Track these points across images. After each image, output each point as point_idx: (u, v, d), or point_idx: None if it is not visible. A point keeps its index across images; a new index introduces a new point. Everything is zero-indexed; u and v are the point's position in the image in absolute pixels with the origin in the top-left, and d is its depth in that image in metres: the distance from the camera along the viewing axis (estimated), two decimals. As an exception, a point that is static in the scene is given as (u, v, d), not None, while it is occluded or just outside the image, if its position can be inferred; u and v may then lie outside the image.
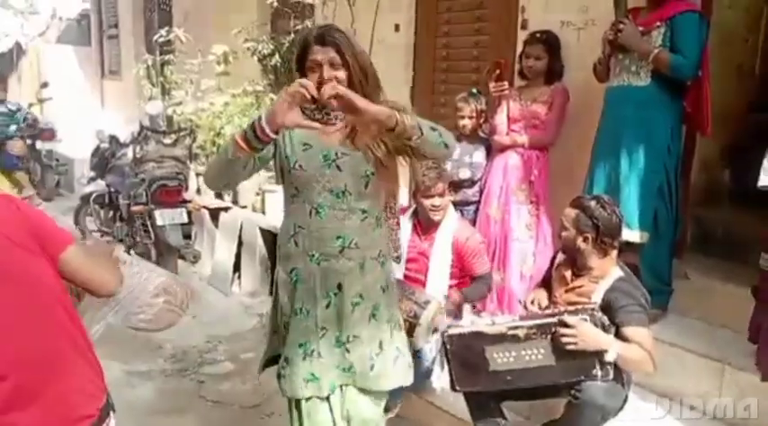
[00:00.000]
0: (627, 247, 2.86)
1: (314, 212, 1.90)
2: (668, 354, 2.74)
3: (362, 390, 2.01)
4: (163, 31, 7.01)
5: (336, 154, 1.90)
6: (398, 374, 2.06)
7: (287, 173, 1.94)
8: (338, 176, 1.90)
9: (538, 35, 3.43)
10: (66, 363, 1.50)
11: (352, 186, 1.91)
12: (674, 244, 3.11)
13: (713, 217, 3.54)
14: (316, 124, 1.74)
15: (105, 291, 1.65)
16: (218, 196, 5.51)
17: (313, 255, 1.92)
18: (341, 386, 2.00)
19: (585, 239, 2.37)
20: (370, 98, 1.79)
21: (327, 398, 1.98)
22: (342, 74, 1.82)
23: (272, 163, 2.00)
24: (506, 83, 3.37)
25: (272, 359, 2.15)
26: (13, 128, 4.85)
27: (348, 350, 1.96)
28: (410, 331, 2.71)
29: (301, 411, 2.00)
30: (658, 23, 2.89)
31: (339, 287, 1.94)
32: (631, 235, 2.91)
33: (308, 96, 1.67)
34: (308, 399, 1.98)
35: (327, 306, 1.95)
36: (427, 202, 2.93)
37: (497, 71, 3.36)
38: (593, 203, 2.39)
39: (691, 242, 3.48)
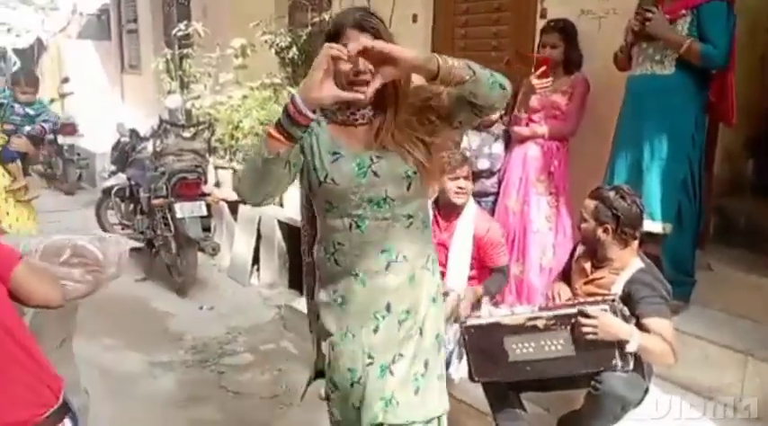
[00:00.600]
0: (648, 238, 2.84)
1: (353, 226, 1.69)
2: (690, 346, 2.72)
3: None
4: (181, 25, 7.06)
5: (371, 158, 1.68)
6: (441, 397, 1.83)
7: (317, 187, 1.71)
8: (376, 183, 1.67)
9: (552, 23, 3.40)
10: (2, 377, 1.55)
11: (394, 191, 1.69)
12: (697, 236, 3.07)
13: (736, 207, 3.49)
14: (358, 94, 1.54)
15: (50, 305, 1.70)
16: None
17: (357, 274, 1.72)
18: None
19: (605, 230, 2.35)
20: (405, 96, 1.68)
21: None
22: None
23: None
24: (551, 79, 3.32)
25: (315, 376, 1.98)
26: (27, 128, 4.94)
27: (392, 373, 1.74)
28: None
29: None
30: (683, 12, 2.84)
31: (388, 307, 1.74)
32: (654, 226, 2.88)
33: (345, 57, 1.48)
34: None
35: (375, 331, 1.74)
36: (452, 184, 2.92)
37: (544, 67, 3.32)
38: (612, 193, 2.36)
39: (713, 233, 3.43)
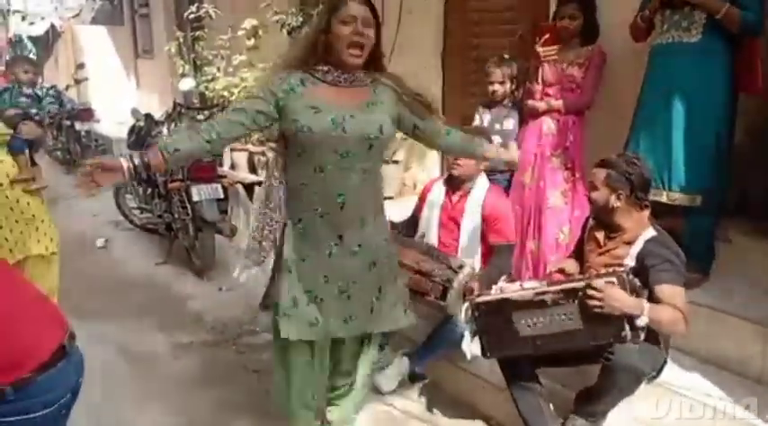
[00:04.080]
0: (667, 210, 2.81)
1: (318, 170, 2.01)
2: (710, 318, 2.70)
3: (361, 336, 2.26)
4: (193, 8, 7.04)
5: (344, 117, 1.99)
6: (396, 317, 2.25)
7: (292, 135, 2.02)
8: (344, 138, 1.98)
9: None
10: None
11: (357, 148, 2.01)
12: (720, 208, 3.01)
13: (754, 177, 3.43)
14: None
15: None
16: (253, 171, 5.55)
17: (316, 209, 2.05)
18: (336, 340, 2.23)
19: (619, 197, 2.33)
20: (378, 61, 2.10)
21: (311, 345, 2.19)
22: (371, 32, 1.99)
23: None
24: (556, 47, 3.28)
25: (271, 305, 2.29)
26: (33, 111, 4.82)
27: (349, 297, 2.13)
28: (443, 295, 2.73)
29: (291, 351, 2.19)
30: None
31: (340, 237, 2.08)
32: (682, 198, 2.85)
33: None
34: (304, 341, 2.16)
35: (329, 255, 2.09)
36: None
37: (547, 35, 3.27)
38: (621, 160, 2.35)
39: (732, 203, 3.38)
